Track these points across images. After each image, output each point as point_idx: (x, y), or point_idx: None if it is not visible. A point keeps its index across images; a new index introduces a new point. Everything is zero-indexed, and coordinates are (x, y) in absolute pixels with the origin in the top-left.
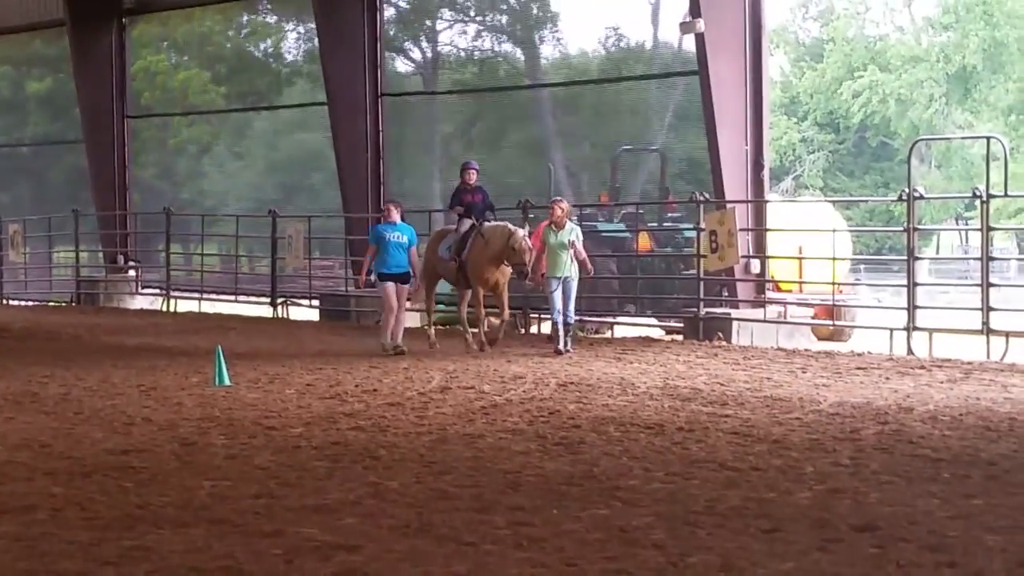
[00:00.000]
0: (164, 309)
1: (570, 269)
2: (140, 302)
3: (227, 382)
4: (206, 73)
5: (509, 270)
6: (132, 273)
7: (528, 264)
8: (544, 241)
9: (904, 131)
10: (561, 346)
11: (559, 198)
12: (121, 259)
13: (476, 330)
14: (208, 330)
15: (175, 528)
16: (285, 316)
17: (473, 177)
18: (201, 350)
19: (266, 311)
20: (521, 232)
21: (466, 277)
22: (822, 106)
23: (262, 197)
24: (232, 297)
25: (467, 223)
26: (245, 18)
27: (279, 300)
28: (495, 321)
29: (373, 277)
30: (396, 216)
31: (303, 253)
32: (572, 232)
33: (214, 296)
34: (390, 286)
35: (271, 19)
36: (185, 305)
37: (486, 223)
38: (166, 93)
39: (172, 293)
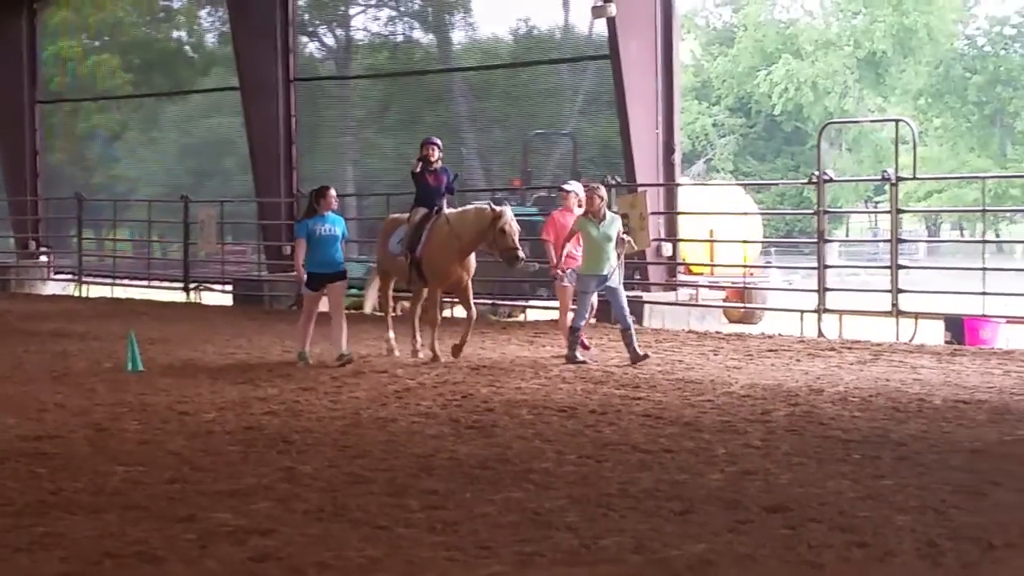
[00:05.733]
0: (76, 294)
1: (613, 268)
2: (52, 287)
3: (140, 367)
4: (116, 59)
5: (473, 265)
6: (44, 259)
7: (518, 248)
8: (581, 231)
9: (817, 116)
10: (639, 351)
11: (596, 185)
12: (32, 245)
13: (418, 336)
14: (121, 315)
15: (88, 514)
16: (198, 301)
17: (435, 154)
18: (114, 335)
19: (179, 296)
20: (510, 211)
21: (421, 274)
22: (734, 91)
23: (174, 182)
24: (145, 282)
25: (420, 212)
26: (159, 3)
27: (192, 285)
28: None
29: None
30: (334, 204)
31: (216, 238)
32: (616, 223)
33: (126, 281)
34: (312, 296)
35: (183, 4)
36: (97, 290)
37: (448, 210)
38: (77, 79)
39: (84, 278)
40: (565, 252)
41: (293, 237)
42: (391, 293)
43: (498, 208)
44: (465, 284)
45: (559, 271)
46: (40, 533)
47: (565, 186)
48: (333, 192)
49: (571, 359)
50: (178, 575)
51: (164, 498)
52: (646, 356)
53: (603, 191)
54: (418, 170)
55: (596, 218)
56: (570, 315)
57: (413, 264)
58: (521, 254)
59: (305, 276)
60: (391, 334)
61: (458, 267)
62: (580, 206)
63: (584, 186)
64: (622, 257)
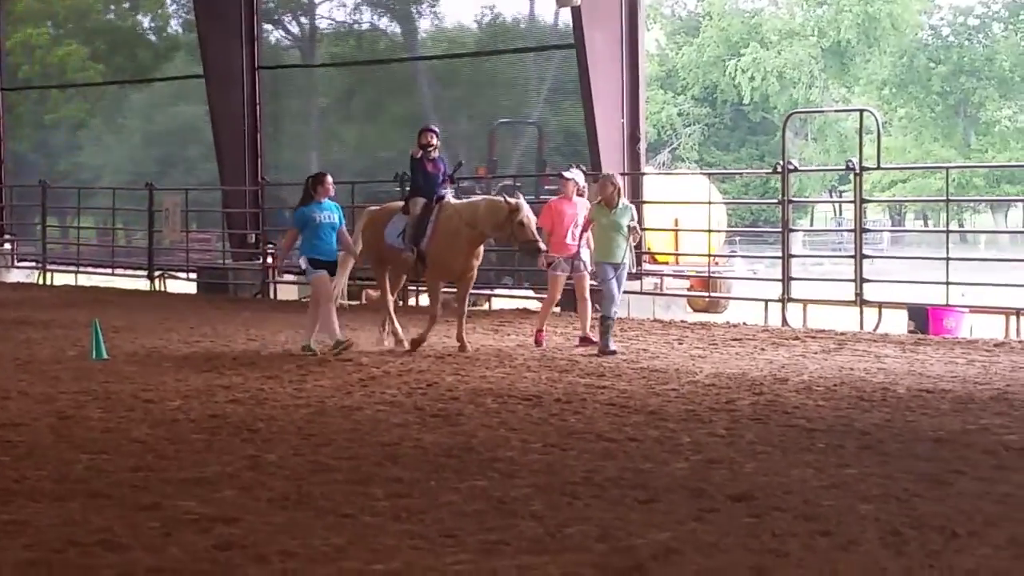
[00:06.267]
0: (40, 282)
1: (627, 255)
2: (16, 275)
3: (104, 355)
4: (85, 49)
5: (481, 254)
6: (7, 246)
7: (539, 240)
8: (593, 220)
9: (783, 106)
10: (610, 345)
11: (611, 173)
12: None
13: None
14: (85, 303)
15: (52, 502)
16: (162, 289)
17: (434, 141)
18: (78, 323)
19: (143, 284)
20: (526, 204)
21: (424, 266)
22: (700, 81)
23: (139, 170)
24: (109, 270)
25: (420, 202)
26: None
27: (156, 273)
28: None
29: (303, 264)
30: (331, 190)
31: (180, 226)
32: (628, 212)
33: (91, 269)
34: (325, 275)
35: None
36: (61, 278)
37: (453, 199)
38: (45, 67)
39: (48, 266)
40: (583, 240)
41: (291, 224)
42: (387, 284)
43: (514, 201)
44: (471, 276)
45: (550, 260)
46: (3, 521)
47: (565, 174)
48: (330, 178)
49: (604, 350)
50: (142, 563)
51: (128, 486)
52: (614, 352)
53: (616, 179)
54: (419, 155)
55: (609, 206)
56: (540, 307)
57: (420, 259)
58: (542, 246)
59: (303, 264)
60: (397, 326)
61: (463, 258)
62: (580, 195)
63: (603, 175)
64: (631, 245)
